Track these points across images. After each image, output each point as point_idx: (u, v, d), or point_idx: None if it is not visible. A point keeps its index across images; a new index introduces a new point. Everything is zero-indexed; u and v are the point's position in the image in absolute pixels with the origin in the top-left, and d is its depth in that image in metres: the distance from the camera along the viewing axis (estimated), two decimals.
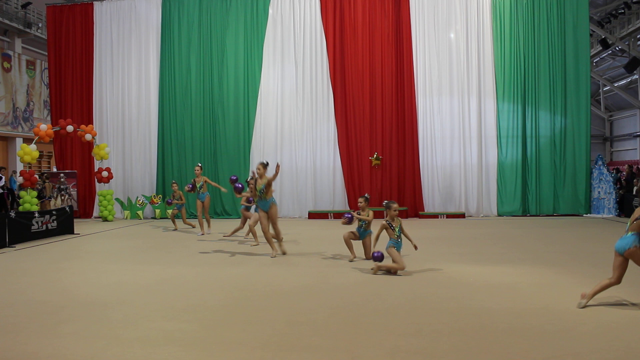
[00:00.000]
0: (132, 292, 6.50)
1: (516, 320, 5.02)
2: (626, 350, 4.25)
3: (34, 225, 11.54)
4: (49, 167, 23.85)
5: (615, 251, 5.41)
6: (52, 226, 12.15)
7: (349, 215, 8.45)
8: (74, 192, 17.27)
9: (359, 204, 8.43)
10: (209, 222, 12.60)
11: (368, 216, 8.34)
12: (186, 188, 12.18)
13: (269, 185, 8.44)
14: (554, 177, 16.24)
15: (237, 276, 7.40)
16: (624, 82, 24.66)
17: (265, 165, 8.56)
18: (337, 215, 16.23)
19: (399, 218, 7.65)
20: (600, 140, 26.84)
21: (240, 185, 9.33)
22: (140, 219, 16.84)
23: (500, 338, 4.54)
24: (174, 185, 13.26)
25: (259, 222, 9.15)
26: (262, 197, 8.37)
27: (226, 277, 7.36)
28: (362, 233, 8.45)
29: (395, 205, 7.47)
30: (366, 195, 8.57)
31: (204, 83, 17.22)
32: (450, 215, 15.95)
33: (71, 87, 17.87)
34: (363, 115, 16.62)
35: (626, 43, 21.07)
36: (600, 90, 26.34)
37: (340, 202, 16.75)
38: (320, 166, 16.85)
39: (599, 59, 24.54)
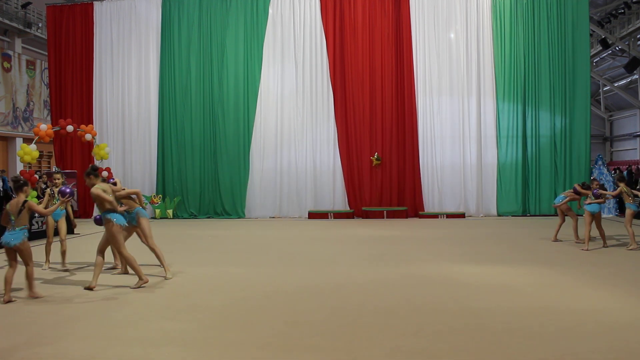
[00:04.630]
0: (132, 292, 6.50)
1: (516, 320, 5.02)
2: (626, 350, 4.26)
3: (33, 225, 11.52)
4: (49, 167, 23.82)
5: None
6: None
7: (98, 217, 6.80)
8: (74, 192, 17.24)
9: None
10: (63, 257, 7.81)
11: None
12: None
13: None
14: (554, 177, 16.23)
15: (237, 276, 7.40)
16: (624, 82, 24.61)
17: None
18: (337, 215, 16.24)
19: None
20: (600, 140, 26.79)
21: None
22: None
23: (500, 338, 4.54)
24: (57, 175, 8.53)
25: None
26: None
27: (226, 277, 7.35)
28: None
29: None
30: (92, 165, 6.75)
31: (204, 83, 17.22)
32: (450, 215, 15.94)
33: (71, 87, 17.87)
34: (363, 115, 16.61)
35: (626, 43, 21.03)
36: (600, 90, 26.30)
37: (340, 202, 16.73)
38: (320, 166, 16.84)
39: (599, 59, 24.48)
